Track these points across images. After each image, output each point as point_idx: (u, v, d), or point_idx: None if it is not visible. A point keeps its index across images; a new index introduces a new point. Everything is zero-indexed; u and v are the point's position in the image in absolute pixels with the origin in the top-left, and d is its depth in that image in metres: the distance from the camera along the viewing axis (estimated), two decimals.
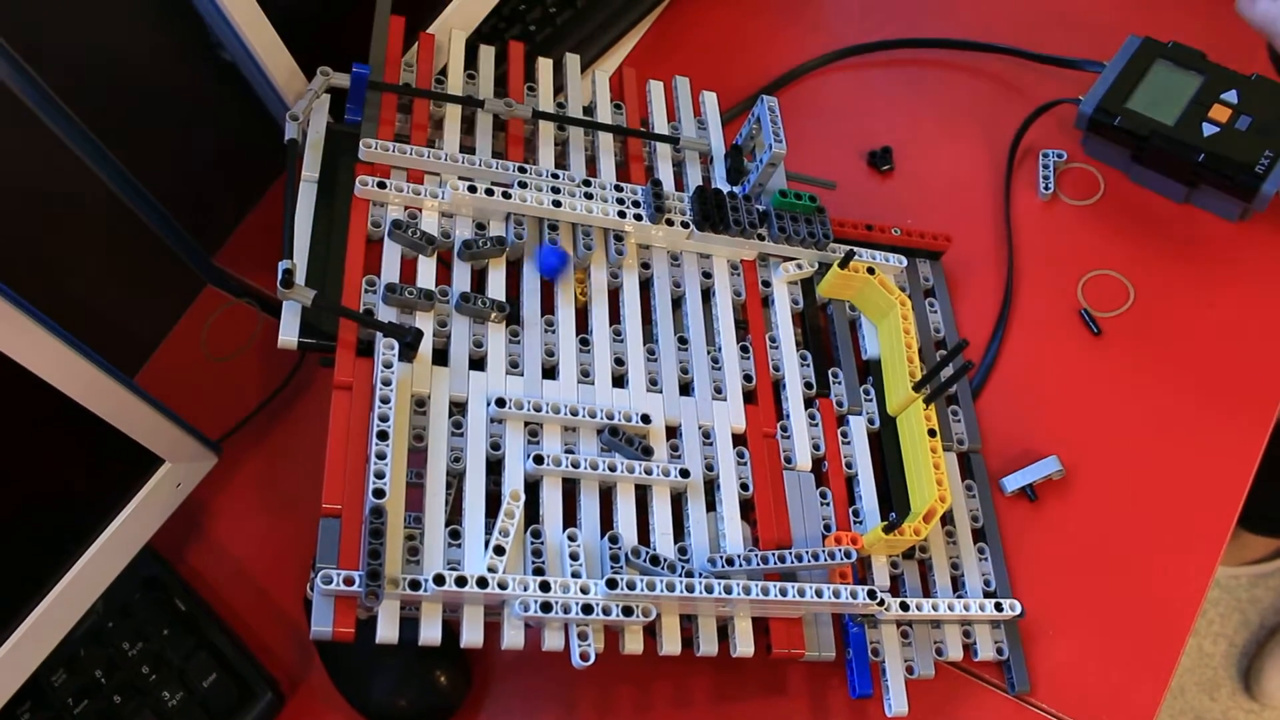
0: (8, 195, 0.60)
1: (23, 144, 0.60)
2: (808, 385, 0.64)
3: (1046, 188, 0.75)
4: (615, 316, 0.62)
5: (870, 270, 0.65)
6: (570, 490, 0.56)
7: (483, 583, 0.49)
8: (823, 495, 0.61)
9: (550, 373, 0.59)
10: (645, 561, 0.53)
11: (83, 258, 0.67)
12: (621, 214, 0.63)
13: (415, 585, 0.49)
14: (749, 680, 0.62)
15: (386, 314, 0.57)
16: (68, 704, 0.60)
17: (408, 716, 0.60)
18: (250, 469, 0.69)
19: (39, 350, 0.49)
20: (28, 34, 0.57)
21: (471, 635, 0.50)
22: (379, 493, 0.50)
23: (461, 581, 0.49)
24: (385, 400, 0.52)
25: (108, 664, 0.61)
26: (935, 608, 0.59)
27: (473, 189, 0.60)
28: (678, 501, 0.58)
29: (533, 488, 0.55)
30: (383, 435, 0.52)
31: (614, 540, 0.54)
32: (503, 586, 0.50)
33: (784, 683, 0.62)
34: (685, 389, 0.61)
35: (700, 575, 0.54)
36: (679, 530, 0.57)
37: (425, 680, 0.60)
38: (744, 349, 0.63)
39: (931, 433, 0.61)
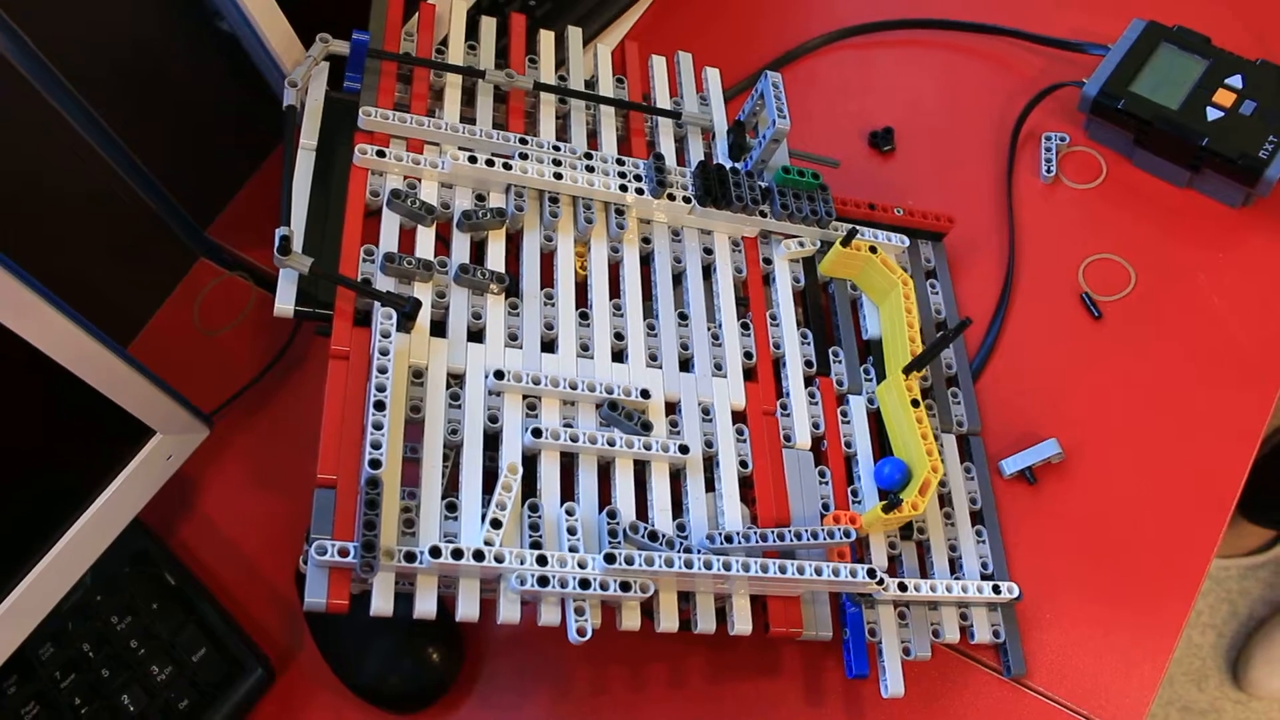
0: (0, 164, 0.59)
1: (17, 114, 0.59)
2: (808, 364, 0.63)
3: (1048, 171, 0.74)
4: (615, 291, 0.61)
5: (873, 249, 0.64)
6: (568, 465, 0.55)
7: (479, 555, 0.49)
8: (821, 474, 0.60)
9: (549, 346, 0.58)
10: (643, 537, 0.53)
11: (74, 228, 0.66)
12: (623, 187, 0.62)
13: (411, 557, 0.49)
14: (743, 660, 0.61)
15: (384, 284, 0.56)
16: (55, 677, 0.60)
17: (400, 693, 0.60)
18: (242, 444, 0.68)
19: (31, 317, 0.48)
20: (23, 3, 0.56)
21: (467, 609, 0.50)
22: (375, 463, 0.49)
23: (458, 554, 0.48)
24: (383, 370, 0.52)
25: (96, 638, 0.61)
26: (933, 589, 0.58)
27: (473, 159, 0.59)
28: (676, 478, 0.57)
29: (530, 461, 0.54)
30: (380, 405, 0.51)
31: (612, 515, 0.53)
32: (499, 560, 0.49)
33: (779, 663, 0.61)
34: (685, 365, 0.61)
35: (699, 552, 0.53)
36: (677, 507, 0.56)
37: (418, 658, 0.59)
38: (744, 326, 0.63)
39: (914, 403, 0.60)
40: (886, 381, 0.62)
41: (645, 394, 0.58)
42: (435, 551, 0.48)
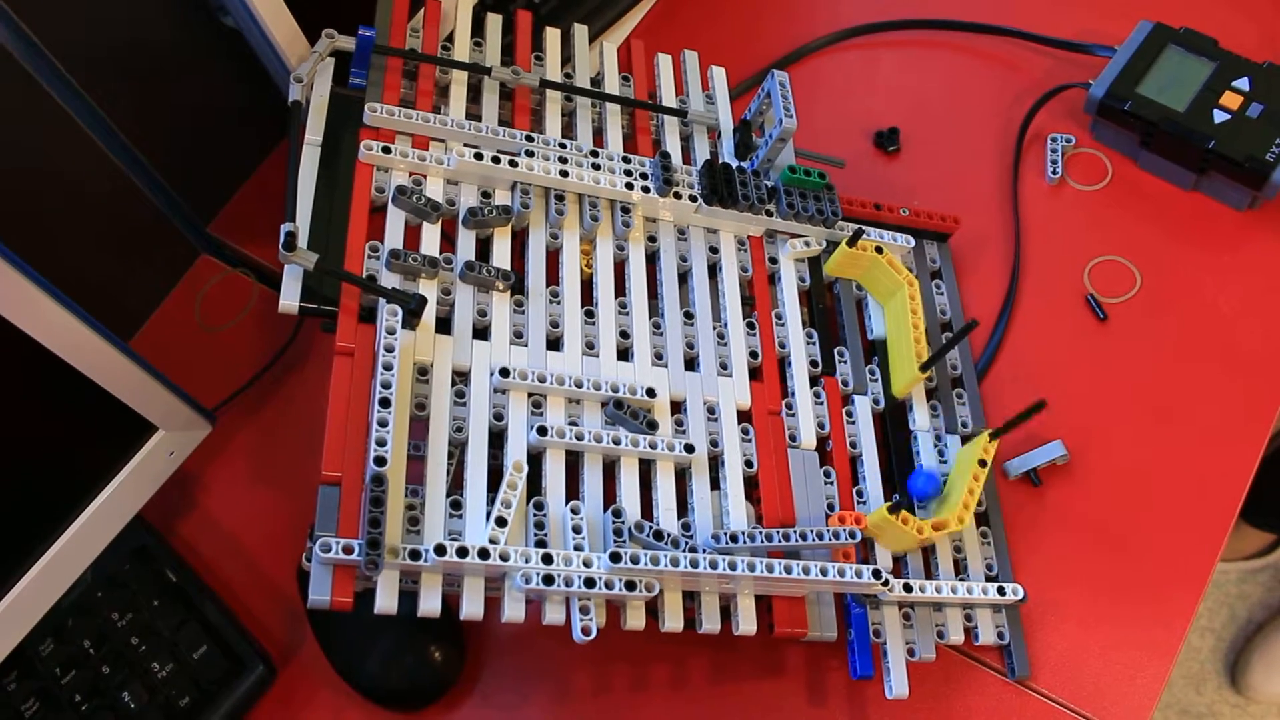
0: (2, 159, 0.59)
1: (20, 108, 0.59)
2: (813, 364, 0.63)
3: (1054, 172, 0.74)
4: (621, 289, 0.61)
5: (879, 250, 0.64)
6: (573, 463, 0.55)
7: (484, 554, 0.48)
8: (827, 474, 0.60)
9: (555, 344, 0.58)
10: (649, 536, 0.53)
11: (77, 224, 0.66)
12: (629, 186, 0.62)
13: (415, 555, 0.48)
14: (747, 661, 0.61)
15: (390, 280, 0.56)
16: (55, 674, 0.59)
17: (401, 692, 0.59)
18: (243, 440, 0.68)
19: (34, 311, 0.48)
20: None
21: (471, 607, 0.50)
22: (380, 460, 0.49)
23: (463, 552, 0.48)
24: (388, 367, 0.51)
25: (96, 634, 0.60)
26: (938, 590, 0.58)
27: (479, 156, 0.59)
28: (681, 477, 0.57)
29: (535, 460, 0.54)
30: (385, 403, 0.51)
31: (617, 514, 0.53)
32: (504, 558, 0.49)
33: (782, 664, 0.61)
34: (690, 364, 0.60)
35: (704, 551, 0.53)
36: (682, 506, 0.56)
37: (420, 656, 0.59)
38: (750, 325, 0.63)
39: (982, 463, 0.59)
40: (919, 379, 0.62)
41: (650, 393, 0.57)
42: (440, 550, 0.48)
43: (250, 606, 0.63)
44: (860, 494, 0.60)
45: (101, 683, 0.59)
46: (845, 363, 0.64)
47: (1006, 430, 0.59)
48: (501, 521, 0.50)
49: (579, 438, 0.54)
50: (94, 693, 0.59)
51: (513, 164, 0.60)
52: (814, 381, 0.63)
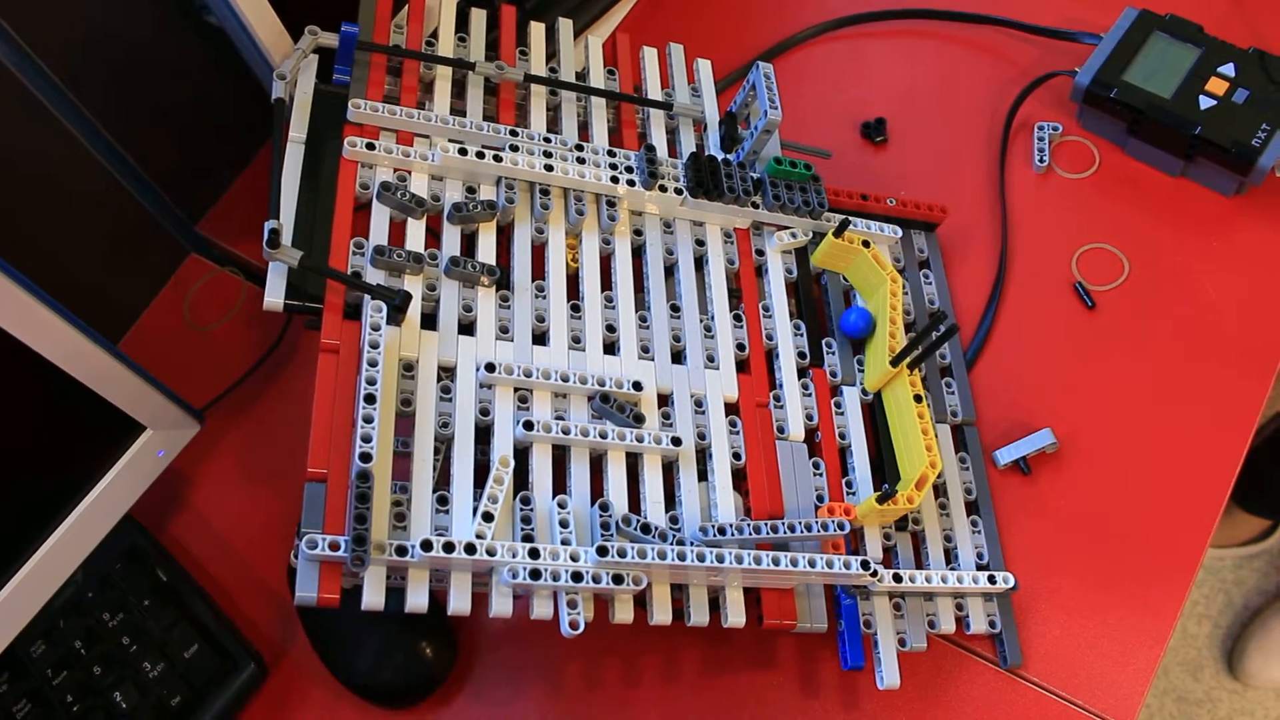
0: None
1: (4, 109, 0.58)
2: (801, 355, 0.63)
3: (1041, 160, 0.74)
4: (607, 283, 0.61)
5: (865, 243, 0.64)
6: (560, 457, 0.55)
7: (471, 549, 0.49)
8: (815, 466, 0.60)
9: (541, 339, 0.58)
10: (636, 530, 0.53)
11: (64, 225, 0.65)
12: (614, 179, 0.62)
13: (402, 551, 0.48)
14: (738, 653, 0.61)
15: (375, 277, 0.56)
16: (46, 675, 0.59)
17: (393, 688, 0.59)
18: (233, 439, 0.68)
19: (21, 313, 0.48)
20: None
21: (459, 603, 0.50)
22: (365, 457, 0.49)
23: (449, 548, 0.48)
24: (373, 364, 0.51)
25: (87, 635, 0.60)
26: (928, 580, 0.58)
27: (463, 151, 0.59)
28: (669, 470, 0.57)
29: (522, 454, 0.54)
30: (370, 399, 0.51)
31: (604, 508, 0.53)
32: (491, 553, 0.49)
33: (773, 655, 0.61)
34: (677, 357, 0.60)
35: (691, 544, 0.53)
36: (670, 499, 0.56)
37: (411, 652, 0.59)
38: (737, 318, 0.63)
39: (918, 398, 0.60)
40: (891, 374, 0.62)
41: (637, 386, 0.57)
42: (426, 545, 0.48)
43: (241, 605, 0.63)
44: (849, 485, 0.60)
45: (93, 683, 0.59)
46: (833, 354, 0.64)
47: (918, 361, 0.61)
48: (488, 516, 0.51)
49: (565, 432, 0.54)
50: (85, 693, 0.59)
51: (497, 159, 0.60)
52: (802, 373, 0.63)
